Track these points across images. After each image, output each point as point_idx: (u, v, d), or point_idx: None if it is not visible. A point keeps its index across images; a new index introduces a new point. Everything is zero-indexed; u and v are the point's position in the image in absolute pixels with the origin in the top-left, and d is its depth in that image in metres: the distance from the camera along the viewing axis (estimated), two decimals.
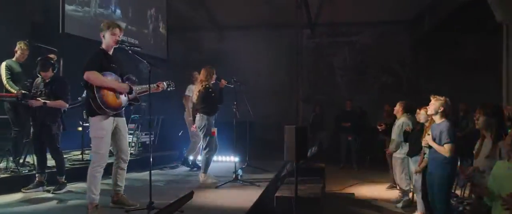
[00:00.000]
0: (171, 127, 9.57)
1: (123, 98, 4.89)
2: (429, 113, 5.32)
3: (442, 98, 5.17)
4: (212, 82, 6.95)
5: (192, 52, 13.71)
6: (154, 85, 5.22)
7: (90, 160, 5.21)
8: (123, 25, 9.44)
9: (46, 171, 6.10)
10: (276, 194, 5.83)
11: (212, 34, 13.95)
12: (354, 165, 10.48)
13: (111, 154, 5.11)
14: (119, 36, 4.92)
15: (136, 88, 5.05)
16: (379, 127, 8.19)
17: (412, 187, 6.85)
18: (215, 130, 6.84)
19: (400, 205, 7.08)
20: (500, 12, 8.46)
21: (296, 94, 12.74)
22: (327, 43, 13.46)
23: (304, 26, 13.07)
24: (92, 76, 4.57)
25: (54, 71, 6.01)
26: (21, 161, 6.55)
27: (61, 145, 6.17)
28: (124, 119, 5.02)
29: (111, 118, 4.75)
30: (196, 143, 7.99)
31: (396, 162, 7.20)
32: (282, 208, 5.62)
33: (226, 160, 9.20)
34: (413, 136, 6.39)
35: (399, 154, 7.09)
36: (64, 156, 6.48)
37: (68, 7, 8.19)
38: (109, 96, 4.70)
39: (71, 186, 6.08)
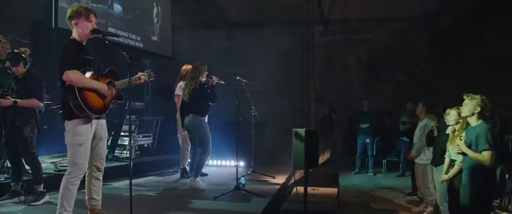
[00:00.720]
0: (171, 129, 8.65)
1: (109, 96, 4.07)
2: (463, 114, 4.33)
3: (478, 96, 4.22)
4: (204, 79, 6.14)
5: (200, 50, 12.77)
6: (136, 77, 4.35)
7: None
8: (115, 22, 8.63)
9: (24, 179, 5.25)
10: (283, 207, 4.90)
11: (221, 32, 13.08)
12: (370, 170, 9.36)
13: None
14: (95, 24, 3.98)
15: (118, 83, 4.14)
16: (402, 127, 7.20)
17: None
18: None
19: None
20: None
21: (308, 94, 11.79)
22: (340, 41, 12.44)
23: (316, 23, 12.16)
24: (74, 77, 3.74)
25: (26, 67, 5.13)
26: None
27: (44, 149, 5.33)
28: (104, 121, 4.15)
29: (91, 121, 3.91)
30: (185, 149, 7.16)
31: (418, 168, 6.22)
32: None
33: (228, 165, 8.27)
34: (439, 142, 5.37)
35: (422, 160, 6.10)
36: (52, 162, 5.64)
37: (61, 2, 7.30)
38: (93, 97, 3.88)
39: (53, 196, 5.17)
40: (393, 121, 9.75)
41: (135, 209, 3.80)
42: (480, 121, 4.19)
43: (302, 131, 4.47)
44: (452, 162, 4.78)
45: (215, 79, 6.28)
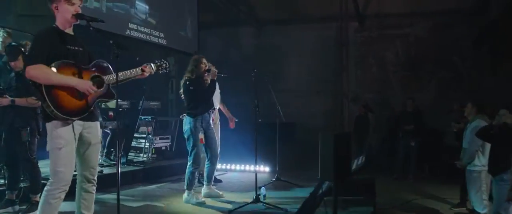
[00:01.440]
0: None
1: (93, 93, 3.27)
2: None
3: None
4: (205, 74, 5.32)
5: (230, 48, 12.10)
6: (138, 69, 3.54)
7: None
8: (141, 17, 7.91)
9: (21, 186, 4.57)
10: None
11: (251, 29, 12.27)
12: (410, 176, 8.22)
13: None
14: (79, 7, 3.20)
15: (109, 78, 3.31)
16: (455, 128, 6.16)
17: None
18: (202, 136, 5.26)
19: None
20: None
21: (342, 93, 10.82)
22: (376, 37, 11.38)
23: (350, 19, 11.16)
24: (35, 73, 3.03)
25: None
26: None
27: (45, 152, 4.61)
28: (95, 123, 3.36)
29: (73, 123, 3.17)
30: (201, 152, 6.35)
31: (470, 175, 5.19)
32: None
33: (250, 170, 7.47)
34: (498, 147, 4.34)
35: (476, 166, 5.10)
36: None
37: None
38: (65, 97, 3.11)
39: None
40: (437, 122, 8.65)
41: None
42: None
43: (330, 136, 3.56)
44: None
45: (214, 72, 5.41)
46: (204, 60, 5.31)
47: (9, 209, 4.47)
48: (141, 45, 7.84)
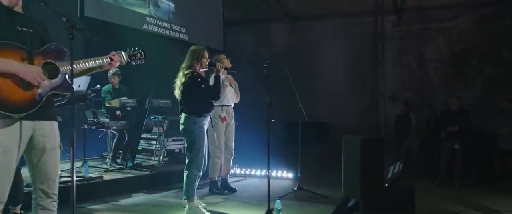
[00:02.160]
0: None
1: (45, 84, 2.54)
2: None
3: None
4: (203, 69, 4.57)
5: (261, 46, 11.38)
6: (105, 58, 2.84)
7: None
8: (160, 11, 7.26)
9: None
10: None
11: (283, 26, 11.53)
12: (456, 182, 7.10)
13: None
14: None
15: (65, 66, 2.62)
16: (504, 131, 5.19)
17: None
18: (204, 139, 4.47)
19: None
20: None
21: (379, 91, 9.86)
22: (416, 31, 10.38)
23: (387, 12, 10.19)
24: None
25: None
26: None
27: None
28: (52, 123, 2.68)
29: (17, 123, 2.45)
30: (215, 157, 5.57)
31: None
32: None
33: (270, 176, 6.67)
34: None
35: None
36: None
37: None
38: (4, 86, 2.38)
39: None
40: (484, 122, 7.54)
41: None
42: None
43: (356, 140, 2.73)
44: None
45: (220, 66, 4.64)
46: (207, 53, 4.54)
47: None
48: (160, 40, 7.19)
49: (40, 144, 2.54)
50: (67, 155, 6.07)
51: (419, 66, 10.35)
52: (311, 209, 4.65)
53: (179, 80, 4.42)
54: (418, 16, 10.27)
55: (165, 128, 6.38)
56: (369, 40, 10.40)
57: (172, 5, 7.68)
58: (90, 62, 2.72)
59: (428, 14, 10.17)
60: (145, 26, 6.83)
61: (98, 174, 5.49)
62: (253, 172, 6.88)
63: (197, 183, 4.40)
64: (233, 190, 5.59)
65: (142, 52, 3.08)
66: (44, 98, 2.51)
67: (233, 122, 5.68)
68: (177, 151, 6.74)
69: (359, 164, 2.92)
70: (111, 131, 6.03)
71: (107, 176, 5.48)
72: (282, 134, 9.76)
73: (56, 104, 4.90)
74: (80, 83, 5.20)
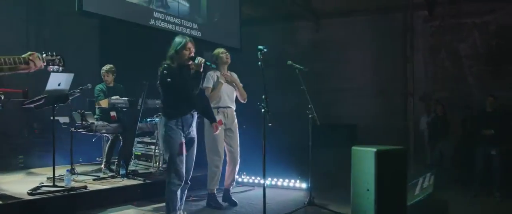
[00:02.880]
0: None
1: None
2: None
3: None
4: (189, 62, 3.88)
5: (285, 44, 10.73)
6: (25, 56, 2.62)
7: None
8: (169, 5, 6.69)
9: None
10: None
11: (308, 23, 10.85)
12: (496, 193, 6.19)
13: None
14: None
15: None
16: None
17: None
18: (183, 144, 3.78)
19: None
20: None
21: (409, 91, 9.05)
22: (449, 26, 9.50)
23: (418, 7, 9.38)
24: None
25: None
26: None
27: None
28: None
29: None
30: (213, 166, 4.95)
31: None
32: None
33: (283, 185, 6.00)
34: None
35: None
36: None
37: None
38: None
39: None
40: None
41: None
42: None
43: (370, 153, 2.10)
44: None
45: (200, 62, 3.83)
46: (190, 45, 3.88)
47: None
48: (169, 37, 6.60)
49: None
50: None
51: (452, 64, 9.47)
52: None
53: (158, 73, 3.85)
54: (452, 10, 9.39)
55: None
56: (398, 37, 9.61)
57: None
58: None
59: (462, 7, 9.28)
60: (152, 22, 6.28)
61: (84, 182, 4.99)
62: (262, 181, 6.17)
63: (180, 195, 3.88)
64: (233, 204, 4.97)
65: (61, 59, 2.61)
66: None
67: (236, 125, 5.06)
68: None
69: (373, 181, 2.27)
70: (101, 134, 5.52)
71: (94, 186, 4.89)
72: (305, 137, 9.10)
73: (33, 105, 4.45)
74: (61, 82, 4.67)
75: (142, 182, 5.24)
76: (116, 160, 5.62)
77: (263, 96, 3.79)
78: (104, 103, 5.49)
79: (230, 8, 8.37)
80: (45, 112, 5.40)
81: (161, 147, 3.93)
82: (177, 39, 3.91)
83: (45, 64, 2.69)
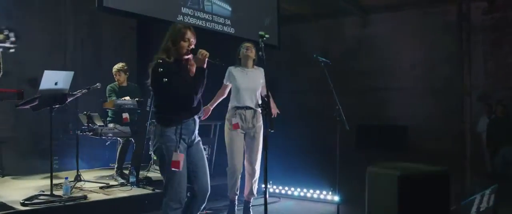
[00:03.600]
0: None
1: None
2: None
3: None
4: (187, 56, 3.09)
5: (331, 41, 10.14)
6: None
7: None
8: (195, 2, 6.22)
9: None
10: None
11: (355, 19, 10.10)
12: None
13: None
14: None
15: None
16: None
17: None
18: (180, 159, 2.93)
19: None
20: None
21: (466, 90, 8.11)
22: None
23: None
24: None
25: None
26: None
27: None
28: None
29: None
30: (230, 171, 4.33)
31: None
32: None
33: (309, 197, 5.28)
34: None
35: None
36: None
37: None
38: None
39: None
40: None
41: None
42: None
43: (390, 177, 1.47)
44: None
45: (203, 56, 3.03)
46: (190, 34, 3.09)
47: None
48: (199, 34, 6.13)
49: None
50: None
51: None
52: None
53: (149, 70, 3.07)
54: None
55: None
56: (453, 31, 8.64)
57: None
58: None
59: None
60: (179, 18, 5.81)
61: (90, 190, 4.57)
62: (290, 191, 5.47)
63: None
64: None
65: (8, 35, 2.12)
66: None
67: (259, 130, 4.34)
68: None
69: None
70: (107, 138, 5.07)
71: (97, 195, 4.44)
72: (350, 139, 8.43)
73: (28, 106, 4.08)
74: (57, 81, 4.26)
75: (151, 191, 4.68)
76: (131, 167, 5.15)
77: (265, 97, 3.11)
78: (109, 104, 5.07)
79: (267, 3, 7.78)
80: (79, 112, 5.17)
81: (157, 162, 3.23)
82: (173, 26, 3.18)
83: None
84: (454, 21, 8.66)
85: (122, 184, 4.96)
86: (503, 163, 6.73)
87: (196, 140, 3.20)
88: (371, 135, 9.40)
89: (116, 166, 5.26)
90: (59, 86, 4.18)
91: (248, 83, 4.35)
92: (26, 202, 3.87)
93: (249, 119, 4.31)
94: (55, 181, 4.36)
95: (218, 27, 6.47)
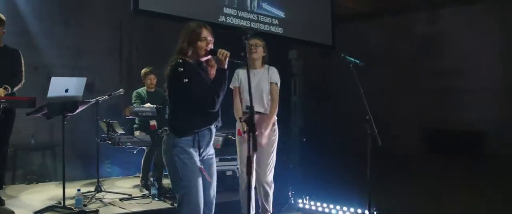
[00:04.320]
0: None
1: None
2: None
3: None
4: (206, 57, 2.78)
5: (398, 39, 9.36)
6: None
7: None
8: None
9: None
10: None
11: (424, 15, 9.22)
12: None
13: None
14: None
15: None
16: None
17: None
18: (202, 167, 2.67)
19: None
20: None
21: None
22: None
23: None
24: None
25: None
26: None
27: None
28: None
29: None
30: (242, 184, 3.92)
31: None
32: None
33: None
34: None
35: None
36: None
37: None
38: None
39: None
40: None
41: None
42: None
43: None
44: None
45: (224, 53, 2.72)
46: (206, 33, 2.78)
47: None
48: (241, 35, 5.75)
49: None
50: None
51: None
52: None
53: (169, 71, 2.75)
54: None
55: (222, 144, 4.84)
56: None
57: None
58: None
59: None
60: (221, 19, 5.50)
61: (111, 201, 4.38)
62: (314, 207, 4.73)
63: None
64: None
65: None
66: None
67: (270, 138, 3.92)
68: (229, 174, 4.97)
69: None
70: (126, 147, 4.81)
71: (113, 209, 4.17)
72: (415, 145, 7.71)
73: (39, 114, 3.95)
74: (68, 87, 4.07)
75: (169, 206, 4.29)
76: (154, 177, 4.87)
77: (249, 101, 2.65)
78: (126, 111, 4.80)
79: (324, 6, 7.22)
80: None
81: (170, 176, 2.80)
82: (188, 25, 2.85)
83: None
84: None
85: (144, 196, 4.71)
86: None
87: (209, 154, 2.88)
88: (441, 140, 8.53)
89: (140, 175, 5.06)
90: (71, 93, 4.04)
91: (256, 83, 3.94)
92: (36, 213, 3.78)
93: (256, 125, 3.85)
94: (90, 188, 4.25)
95: (265, 27, 6.09)
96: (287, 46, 7.49)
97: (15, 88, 3.90)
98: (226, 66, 2.76)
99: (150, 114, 4.68)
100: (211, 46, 2.81)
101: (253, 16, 5.94)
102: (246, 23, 5.79)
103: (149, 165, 5.10)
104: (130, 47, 7.66)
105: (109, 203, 4.42)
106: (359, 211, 4.43)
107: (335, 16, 7.37)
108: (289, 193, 4.59)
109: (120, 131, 4.88)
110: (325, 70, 9.07)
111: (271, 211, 4.06)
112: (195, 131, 2.72)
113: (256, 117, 3.81)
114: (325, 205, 4.62)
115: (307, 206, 4.76)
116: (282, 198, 4.48)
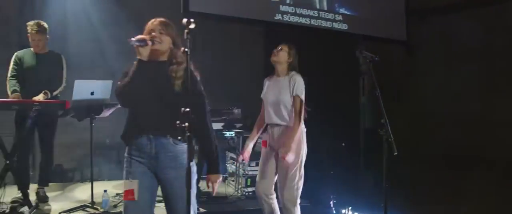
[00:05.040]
0: (323, 149, 4.93)
1: None
2: None
3: None
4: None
5: (490, 33, 8.22)
6: None
7: None
8: None
9: None
10: None
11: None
12: None
13: None
14: None
15: None
16: None
17: None
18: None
19: None
20: None
21: None
22: None
23: None
24: None
25: None
26: None
27: None
28: None
29: None
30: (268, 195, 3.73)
31: None
32: None
33: None
34: None
35: None
36: None
37: None
38: None
39: None
40: None
41: None
42: None
43: None
44: None
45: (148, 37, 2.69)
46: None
47: None
48: (303, 33, 5.38)
49: None
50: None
51: None
52: None
53: (179, 75, 2.73)
54: None
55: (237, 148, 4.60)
56: None
57: None
58: None
59: None
60: (278, 17, 5.23)
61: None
62: None
63: None
64: None
65: None
66: None
67: (293, 150, 3.51)
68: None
69: None
70: None
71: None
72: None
73: (69, 116, 4.00)
74: (94, 90, 4.04)
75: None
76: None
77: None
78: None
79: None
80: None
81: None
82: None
83: None
84: None
85: None
86: None
87: (170, 167, 2.55)
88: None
89: None
90: (97, 96, 4.10)
91: (273, 93, 3.72)
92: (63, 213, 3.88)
93: (276, 137, 3.64)
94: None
95: (327, 24, 5.71)
96: (351, 44, 7.02)
97: (55, 92, 4.16)
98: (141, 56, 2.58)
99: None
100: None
101: (313, 13, 5.60)
102: (306, 21, 5.48)
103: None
104: (203, 48, 7.70)
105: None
106: None
107: (413, 8, 6.70)
108: (331, 203, 4.22)
109: None
110: (392, 67, 8.41)
111: None
112: (127, 140, 2.77)
113: (275, 129, 3.55)
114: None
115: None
116: (322, 208, 4.09)
